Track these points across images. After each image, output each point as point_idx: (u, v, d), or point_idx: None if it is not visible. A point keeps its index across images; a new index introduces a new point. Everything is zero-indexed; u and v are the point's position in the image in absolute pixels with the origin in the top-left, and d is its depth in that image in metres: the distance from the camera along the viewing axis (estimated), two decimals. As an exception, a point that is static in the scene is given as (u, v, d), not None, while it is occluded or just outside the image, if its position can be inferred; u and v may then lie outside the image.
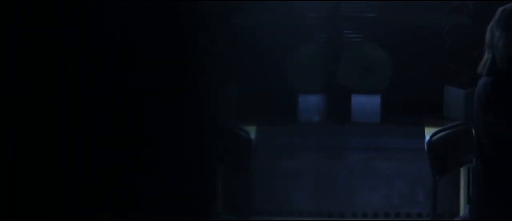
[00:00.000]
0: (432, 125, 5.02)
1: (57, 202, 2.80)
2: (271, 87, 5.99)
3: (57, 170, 2.75)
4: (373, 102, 5.91)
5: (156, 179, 3.54)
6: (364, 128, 5.87)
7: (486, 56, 3.97)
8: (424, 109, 5.99)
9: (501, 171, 3.93)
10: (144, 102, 3.48)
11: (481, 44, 4.06)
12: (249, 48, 6.04)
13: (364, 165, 5.82)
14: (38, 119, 2.55)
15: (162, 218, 3.54)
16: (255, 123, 5.29)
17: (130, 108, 3.17)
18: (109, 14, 2.71)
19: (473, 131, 4.17)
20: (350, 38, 6.18)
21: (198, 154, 3.91)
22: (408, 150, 5.65)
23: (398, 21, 6.10)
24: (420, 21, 6.08)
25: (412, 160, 5.65)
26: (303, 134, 5.76)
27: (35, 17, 2.45)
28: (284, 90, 5.92)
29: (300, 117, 5.92)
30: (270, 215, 5.48)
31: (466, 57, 5.96)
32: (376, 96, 5.93)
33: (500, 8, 3.93)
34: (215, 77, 5.88)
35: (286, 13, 6.01)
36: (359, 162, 5.82)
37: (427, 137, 4.63)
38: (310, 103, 5.96)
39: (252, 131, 4.78)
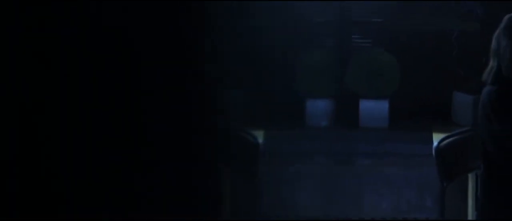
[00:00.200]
0: (440, 130, 5.01)
1: (63, 202, 2.81)
2: (279, 92, 5.98)
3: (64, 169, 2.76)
4: (381, 108, 5.91)
5: (167, 182, 3.55)
6: (372, 133, 5.86)
7: (491, 63, 3.94)
8: (432, 115, 5.97)
9: (506, 178, 3.92)
10: (152, 106, 3.48)
11: (490, 50, 4.04)
12: (257, 52, 6.04)
13: (372, 170, 5.80)
14: (38, 119, 2.56)
15: (170, 219, 3.56)
16: (263, 128, 5.28)
17: (137, 112, 3.17)
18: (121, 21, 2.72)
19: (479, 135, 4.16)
20: (359, 43, 6.18)
21: (207, 158, 3.92)
22: (416, 156, 5.63)
23: (407, 27, 6.09)
24: (429, 26, 6.07)
25: (420, 166, 5.63)
26: (311, 139, 5.75)
27: (35, 17, 2.45)
28: (292, 95, 5.92)
29: (308, 122, 5.92)
30: (277, 219, 5.47)
31: (475, 63, 5.95)
32: (384, 101, 5.92)
33: (507, 16, 3.90)
34: (223, 82, 5.86)
35: (294, 17, 6.00)
36: (366, 168, 5.81)
37: (435, 143, 4.62)
38: (318, 108, 5.96)
39: (260, 136, 4.78)
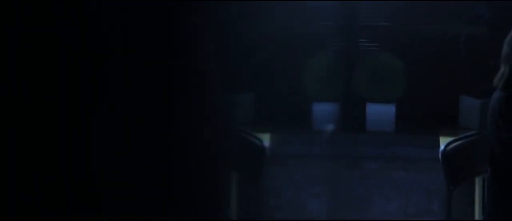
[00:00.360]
0: (447, 134, 5.00)
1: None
2: (286, 95, 5.99)
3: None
4: (388, 112, 5.90)
5: (174, 183, 3.54)
6: (379, 137, 5.86)
7: (502, 69, 3.92)
8: (440, 119, 5.97)
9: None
10: (161, 110, 3.48)
11: (497, 54, 4.03)
12: (264, 55, 6.05)
13: (379, 174, 5.80)
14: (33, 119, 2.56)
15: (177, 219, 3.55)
16: (269, 131, 5.28)
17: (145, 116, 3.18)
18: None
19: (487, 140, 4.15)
20: (366, 47, 6.18)
21: (213, 161, 3.91)
22: (423, 160, 5.63)
23: (414, 31, 6.09)
24: (436, 30, 6.06)
25: (427, 170, 5.63)
26: (318, 142, 5.75)
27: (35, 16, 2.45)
28: (299, 99, 5.92)
29: (314, 125, 5.92)
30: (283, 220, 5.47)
31: (482, 67, 5.94)
32: (391, 105, 5.92)
33: None
34: (230, 84, 5.87)
35: (302, 21, 6.01)
36: (373, 171, 5.81)
37: (442, 147, 4.62)
38: (325, 111, 5.96)
39: (266, 139, 4.78)
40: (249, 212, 4.67)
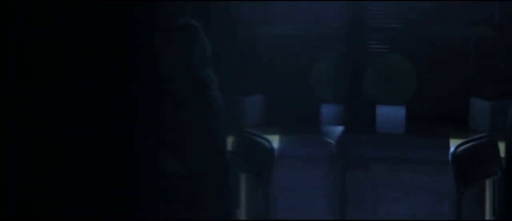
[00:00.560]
0: (457, 137, 4.98)
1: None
2: (295, 97, 5.98)
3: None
4: (398, 113, 5.89)
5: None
6: (388, 139, 5.85)
7: None
8: (450, 121, 5.96)
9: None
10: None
11: (508, 56, 4.02)
12: (274, 58, 6.05)
13: (388, 176, 5.79)
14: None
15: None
16: (278, 132, 5.28)
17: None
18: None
19: (504, 145, 4.15)
20: (375, 49, 6.17)
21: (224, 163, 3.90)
22: (433, 162, 5.62)
23: (424, 32, 6.08)
24: (446, 32, 6.05)
25: (437, 172, 5.62)
26: (327, 144, 5.74)
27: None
28: (309, 100, 5.92)
29: (323, 127, 5.91)
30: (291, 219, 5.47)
31: (493, 69, 5.93)
32: (401, 107, 5.91)
33: None
34: (240, 87, 5.86)
35: (312, 23, 6.01)
36: (383, 173, 5.80)
37: (452, 149, 4.61)
38: (335, 113, 5.96)
39: (275, 140, 4.77)
40: (258, 213, 4.67)
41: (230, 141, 4.61)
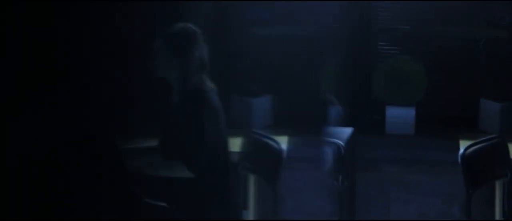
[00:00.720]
0: (467, 138, 4.97)
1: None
2: (304, 98, 5.98)
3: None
4: (408, 115, 5.89)
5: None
6: (398, 140, 5.84)
7: None
8: (459, 122, 5.95)
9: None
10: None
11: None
12: (284, 59, 6.05)
13: (398, 177, 5.79)
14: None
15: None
16: (287, 133, 5.28)
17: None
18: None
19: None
20: (385, 51, 6.17)
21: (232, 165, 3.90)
22: (443, 163, 5.61)
23: (433, 34, 6.07)
24: (456, 33, 6.04)
25: (446, 173, 5.61)
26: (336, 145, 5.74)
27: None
28: (318, 101, 5.92)
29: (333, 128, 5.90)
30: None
31: (502, 70, 5.92)
32: (410, 108, 5.90)
33: None
34: (249, 88, 5.86)
35: (322, 24, 6.01)
36: (392, 174, 5.80)
37: (461, 150, 4.59)
38: (344, 114, 5.95)
39: (284, 142, 4.77)
40: (267, 214, 4.67)
41: (238, 142, 4.61)
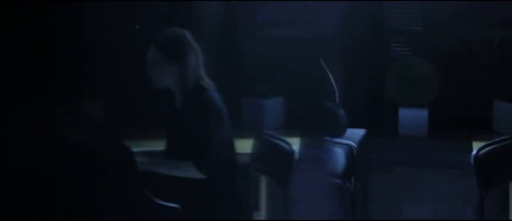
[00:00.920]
0: (480, 139, 4.95)
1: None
2: (316, 99, 5.97)
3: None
4: (421, 116, 5.87)
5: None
6: (411, 141, 5.83)
7: None
8: (472, 123, 5.93)
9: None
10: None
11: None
12: (294, 60, 6.05)
13: (411, 178, 5.78)
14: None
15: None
16: (298, 135, 5.28)
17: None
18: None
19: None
20: (398, 52, 6.16)
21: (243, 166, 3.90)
22: (456, 164, 5.59)
23: (446, 35, 6.06)
24: (469, 34, 6.03)
25: (459, 174, 5.59)
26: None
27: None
28: (330, 103, 5.90)
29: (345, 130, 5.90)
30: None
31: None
32: (423, 110, 5.89)
33: None
34: (260, 89, 5.86)
35: (333, 25, 6.00)
36: (405, 176, 5.79)
37: (474, 151, 4.58)
38: (357, 116, 5.95)
39: (295, 143, 4.77)
40: (278, 215, 4.67)
41: (250, 143, 4.61)
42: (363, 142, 5.39)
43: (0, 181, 2.88)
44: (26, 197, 3.01)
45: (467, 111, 6.02)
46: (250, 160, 4.57)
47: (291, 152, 4.40)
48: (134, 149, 3.92)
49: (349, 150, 5.20)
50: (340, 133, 5.04)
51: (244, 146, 4.60)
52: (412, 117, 5.87)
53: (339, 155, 5.17)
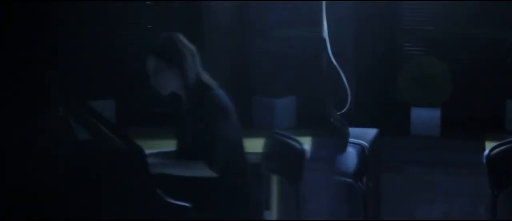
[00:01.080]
0: (493, 139, 4.95)
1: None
2: (327, 99, 5.97)
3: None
4: (433, 116, 5.86)
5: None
6: (423, 141, 5.82)
7: None
8: (485, 123, 5.92)
9: None
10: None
11: None
12: (305, 60, 6.06)
13: (423, 178, 5.77)
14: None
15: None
16: (310, 134, 5.29)
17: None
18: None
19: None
20: (410, 51, 6.15)
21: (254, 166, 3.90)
22: (469, 164, 5.59)
23: (459, 34, 6.04)
24: (481, 34, 6.01)
25: (472, 174, 5.58)
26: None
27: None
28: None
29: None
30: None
31: (529, 71, 5.88)
32: (436, 109, 5.88)
33: None
34: (272, 88, 5.86)
35: (344, 26, 6.00)
36: (418, 176, 5.78)
37: (486, 151, 4.58)
38: (368, 115, 5.95)
39: (307, 142, 4.78)
40: (290, 214, 4.68)
41: (262, 143, 4.62)
42: (375, 141, 5.39)
43: (10, 182, 2.89)
44: (37, 197, 3.02)
45: (480, 111, 6.01)
46: (262, 159, 4.58)
47: (303, 152, 4.41)
48: (147, 151, 3.94)
49: (361, 150, 5.20)
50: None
51: (256, 145, 4.61)
52: (425, 117, 5.86)
53: (351, 155, 5.17)
